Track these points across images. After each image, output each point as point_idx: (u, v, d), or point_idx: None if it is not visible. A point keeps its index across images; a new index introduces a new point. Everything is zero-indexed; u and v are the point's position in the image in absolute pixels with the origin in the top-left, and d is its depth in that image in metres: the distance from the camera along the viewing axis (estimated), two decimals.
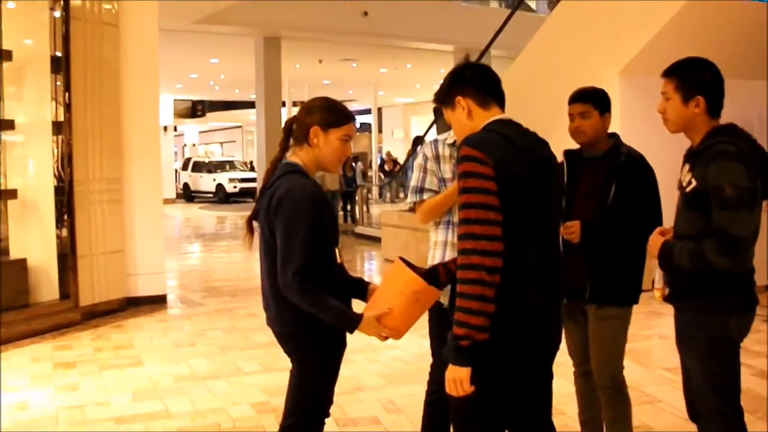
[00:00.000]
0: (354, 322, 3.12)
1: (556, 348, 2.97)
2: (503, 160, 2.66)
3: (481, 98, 2.89)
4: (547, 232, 2.86)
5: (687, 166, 3.21)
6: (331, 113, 3.27)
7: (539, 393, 3.00)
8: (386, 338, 3.21)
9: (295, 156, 3.31)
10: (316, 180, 3.32)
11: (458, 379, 2.70)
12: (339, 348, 3.34)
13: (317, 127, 3.24)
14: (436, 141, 3.94)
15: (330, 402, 3.41)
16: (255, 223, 3.34)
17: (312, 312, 3.11)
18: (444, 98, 3.00)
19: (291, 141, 3.35)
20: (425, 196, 3.86)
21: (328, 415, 3.42)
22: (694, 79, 3.21)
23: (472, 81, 2.92)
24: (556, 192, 3.03)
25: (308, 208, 3.11)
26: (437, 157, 3.86)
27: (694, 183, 3.11)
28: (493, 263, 2.60)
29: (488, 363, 2.72)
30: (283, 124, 3.45)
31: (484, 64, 3.05)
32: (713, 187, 3.02)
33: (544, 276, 2.80)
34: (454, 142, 3.84)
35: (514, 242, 2.66)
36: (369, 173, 34.25)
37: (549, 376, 3.01)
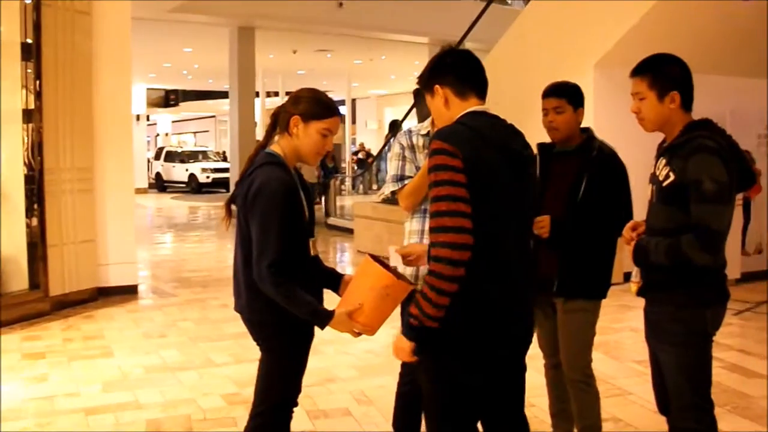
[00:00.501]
0: (325, 318, 3.14)
1: (528, 342, 2.96)
2: (473, 153, 2.65)
3: (459, 88, 2.86)
4: (520, 225, 2.84)
5: (663, 160, 3.21)
6: (314, 105, 3.25)
7: (511, 387, 2.99)
8: (359, 334, 3.22)
9: (277, 145, 3.31)
10: (309, 170, 3.33)
11: (402, 349, 2.84)
12: (307, 337, 3.34)
13: (298, 117, 3.22)
14: (410, 131, 3.93)
15: (298, 391, 3.42)
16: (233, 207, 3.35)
17: (285, 305, 3.11)
18: (425, 84, 2.97)
19: (277, 129, 3.34)
20: (406, 182, 3.85)
21: (296, 404, 3.43)
22: (668, 75, 3.21)
23: (453, 69, 2.89)
24: (531, 185, 2.98)
25: (283, 201, 3.11)
26: (412, 147, 3.86)
27: (672, 177, 3.12)
28: (459, 256, 2.59)
29: (458, 357, 2.75)
30: (256, 114, 3.43)
31: (468, 50, 2.97)
32: (693, 182, 3.03)
33: (516, 270, 2.79)
34: (428, 132, 3.84)
35: (486, 234, 2.66)
36: (342, 164, 34.25)
37: (520, 370, 3.01)
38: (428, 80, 2.94)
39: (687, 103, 3.23)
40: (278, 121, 3.32)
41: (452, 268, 2.59)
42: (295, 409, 3.43)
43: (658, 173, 3.23)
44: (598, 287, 4.01)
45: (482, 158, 2.67)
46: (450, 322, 2.71)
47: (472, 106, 2.84)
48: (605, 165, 3.90)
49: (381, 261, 3.15)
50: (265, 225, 3.09)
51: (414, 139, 3.88)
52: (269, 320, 3.24)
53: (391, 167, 3.93)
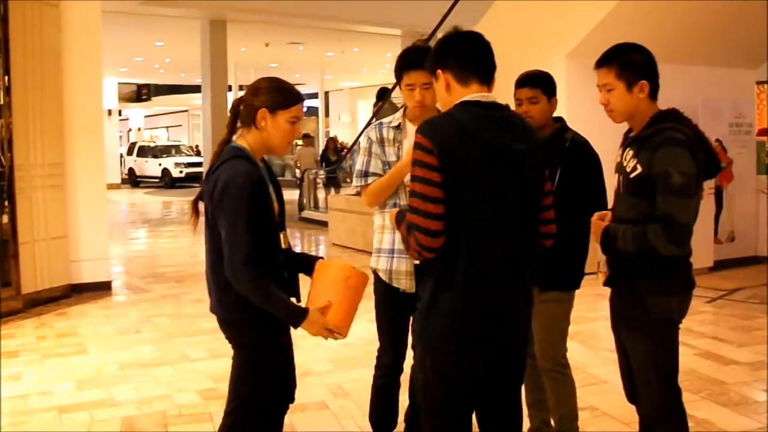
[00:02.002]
0: (300, 317, 3.11)
1: (520, 337, 2.87)
2: (448, 148, 2.61)
3: (461, 73, 2.78)
4: (509, 222, 2.74)
5: (631, 152, 3.21)
6: (278, 94, 3.18)
7: (504, 380, 2.92)
8: (331, 335, 3.20)
9: (242, 138, 3.23)
10: (308, 158, 3.28)
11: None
12: (280, 333, 3.29)
13: (264, 109, 3.15)
14: (380, 124, 3.91)
15: (288, 387, 3.39)
16: (201, 204, 3.28)
17: (259, 303, 3.07)
18: (430, 68, 2.90)
19: (238, 123, 3.27)
20: (370, 179, 3.83)
21: (292, 400, 3.41)
22: (635, 64, 3.21)
23: (455, 53, 2.81)
24: (526, 181, 2.78)
25: (250, 195, 3.05)
26: (381, 141, 3.84)
27: (639, 169, 3.12)
28: (425, 255, 2.67)
29: (442, 351, 2.75)
30: (229, 108, 3.38)
31: (477, 33, 2.85)
32: (660, 174, 3.03)
33: (502, 267, 2.73)
34: (399, 125, 3.83)
35: (464, 231, 2.65)
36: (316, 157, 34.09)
37: (514, 363, 2.92)
38: (432, 64, 2.87)
39: (654, 93, 3.23)
40: (240, 115, 3.24)
41: (421, 257, 2.70)
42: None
43: (625, 164, 3.23)
44: (572, 278, 4.01)
45: (460, 154, 2.62)
46: (433, 316, 2.72)
47: (473, 92, 2.76)
48: (579, 154, 3.90)
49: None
50: (233, 221, 3.03)
51: (384, 132, 3.85)
52: (240, 318, 3.20)
53: (358, 161, 3.92)
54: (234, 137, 3.26)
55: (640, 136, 3.19)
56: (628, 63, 3.20)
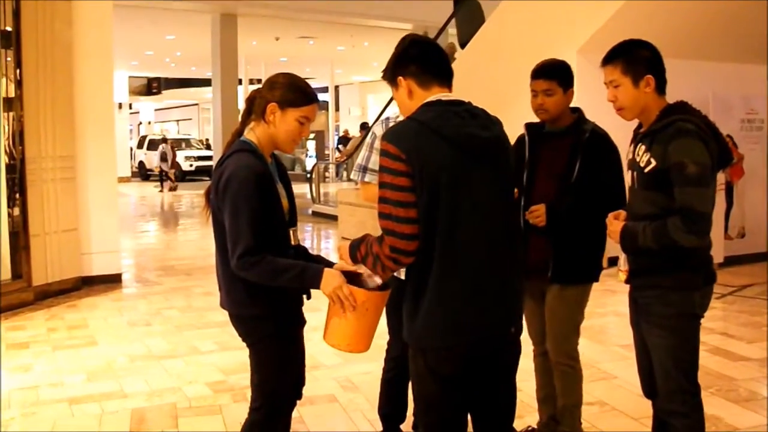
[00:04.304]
0: (318, 275, 3.00)
1: (505, 333, 2.86)
2: (417, 151, 2.61)
3: (423, 78, 2.80)
4: (490, 214, 2.74)
5: (643, 146, 3.21)
6: (292, 92, 3.15)
7: (495, 377, 2.92)
8: (350, 350, 3.09)
9: (251, 132, 3.22)
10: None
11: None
12: (295, 325, 3.29)
13: (275, 104, 3.13)
14: (387, 119, 3.93)
15: (300, 382, 3.38)
16: None
17: (271, 281, 3.03)
18: (389, 77, 2.91)
19: (251, 115, 3.25)
20: (368, 176, 3.86)
21: (300, 396, 3.39)
22: (640, 59, 3.21)
23: (416, 60, 2.82)
24: (503, 175, 2.80)
25: (254, 189, 3.03)
26: None
27: (653, 163, 3.12)
28: (402, 260, 2.69)
29: (428, 349, 2.77)
30: (239, 102, 3.37)
31: (428, 39, 2.91)
32: (675, 165, 3.03)
33: (484, 262, 2.72)
34: None
35: (440, 231, 2.65)
36: (326, 151, 34.16)
37: (504, 362, 2.92)
38: (392, 72, 2.88)
39: (661, 87, 3.22)
40: (253, 107, 3.23)
41: (395, 265, 2.73)
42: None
43: (638, 159, 3.22)
44: (591, 271, 3.99)
45: (429, 154, 2.62)
46: (417, 316, 2.74)
47: (435, 95, 2.78)
48: (598, 146, 3.86)
49: (348, 274, 3.04)
50: (236, 215, 3.01)
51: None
52: (250, 313, 3.19)
53: (360, 156, 3.96)
54: (245, 130, 3.26)
55: (652, 129, 3.18)
56: (633, 58, 3.20)
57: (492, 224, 2.75)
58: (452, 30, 13.79)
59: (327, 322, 3.06)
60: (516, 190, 2.91)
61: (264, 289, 3.08)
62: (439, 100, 2.76)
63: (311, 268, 3.04)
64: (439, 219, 2.64)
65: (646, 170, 3.16)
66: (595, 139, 3.87)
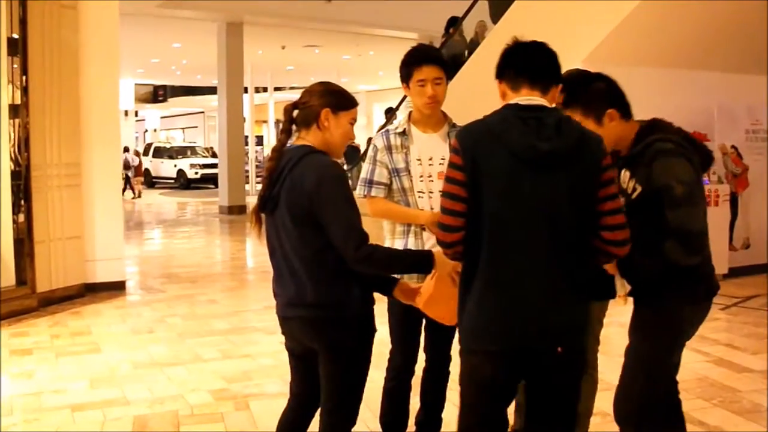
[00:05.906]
0: (430, 258, 3.21)
1: (543, 345, 2.79)
2: (473, 149, 2.69)
3: (514, 81, 2.82)
4: (536, 233, 2.69)
5: (627, 173, 3.20)
6: (337, 96, 3.23)
7: (539, 383, 2.88)
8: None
9: (301, 140, 3.22)
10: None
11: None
12: (371, 333, 3.28)
13: (328, 109, 3.18)
14: (387, 131, 3.93)
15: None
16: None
17: (388, 269, 3.26)
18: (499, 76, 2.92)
19: (293, 125, 3.26)
20: (374, 189, 3.85)
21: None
22: (596, 96, 3.21)
23: (510, 64, 2.86)
24: (555, 181, 2.69)
25: (347, 184, 3.13)
26: (389, 148, 3.86)
27: (639, 188, 3.11)
28: (444, 251, 2.87)
29: (468, 350, 2.84)
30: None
31: (537, 42, 2.89)
32: (662, 187, 3.02)
33: (527, 272, 2.71)
34: (404, 131, 3.85)
35: (486, 233, 2.70)
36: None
37: (556, 370, 2.84)
38: (496, 75, 2.91)
39: (626, 113, 3.22)
40: (296, 118, 3.23)
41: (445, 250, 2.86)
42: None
43: (624, 186, 3.20)
44: (610, 288, 3.97)
45: (483, 156, 2.68)
46: (462, 315, 2.82)
47: (519, 97, 2.79)
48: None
49: None
50: (340, 208, 3.04)
51: (391, 139, 3.87)
52: (353, 313, 3.17)
53: (363, 169, 3.95)
54: (291, 141, 3.27)
55: (632, 154, 3.18)
56: (589, 97, 3.21)
57: (539, 237, 2.70)
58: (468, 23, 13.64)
59: (434, 297, 3.32)
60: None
61: (359, 288, 3.17)
62: (516, 103, 2.76)
63: (421, 253, 3.38)
64: (484, 223, 2.70)
65: (633, 196, 3.16)
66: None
